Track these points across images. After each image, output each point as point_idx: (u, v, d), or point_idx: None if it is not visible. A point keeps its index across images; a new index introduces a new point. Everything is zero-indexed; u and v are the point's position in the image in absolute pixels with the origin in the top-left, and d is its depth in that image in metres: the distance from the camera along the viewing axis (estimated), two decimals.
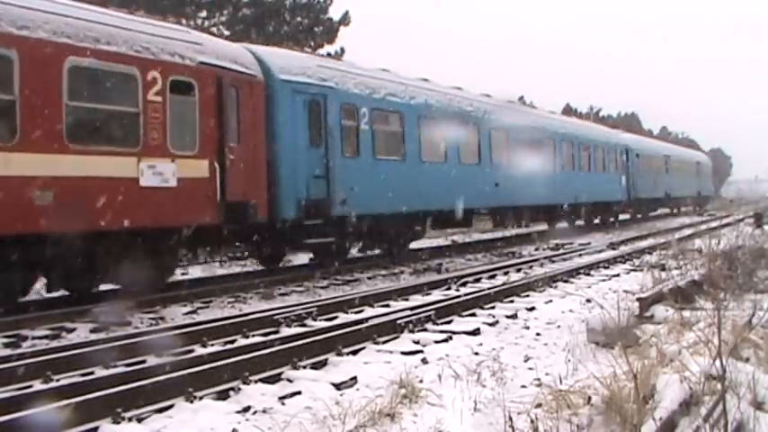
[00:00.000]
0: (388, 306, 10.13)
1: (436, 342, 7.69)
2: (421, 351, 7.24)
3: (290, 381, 6.19)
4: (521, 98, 48.93)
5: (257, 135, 12.71)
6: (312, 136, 14.03)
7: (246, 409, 5.38)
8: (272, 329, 8.50)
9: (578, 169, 26.70)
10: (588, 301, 9.45)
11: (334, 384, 5.99)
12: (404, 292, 11.17)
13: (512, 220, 23.78)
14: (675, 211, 45.12)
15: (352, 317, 9.25)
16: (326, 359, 6.83)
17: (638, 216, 36.29)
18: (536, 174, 21.80)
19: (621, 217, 34.21)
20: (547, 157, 23.66)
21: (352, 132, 15.22)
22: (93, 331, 9.04)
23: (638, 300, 8.02)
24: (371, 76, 16.62)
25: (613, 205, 30.83)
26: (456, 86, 20.37)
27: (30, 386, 5.92)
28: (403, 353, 7.15)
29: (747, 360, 5.42)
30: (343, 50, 31.56)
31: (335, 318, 9.29)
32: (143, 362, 6.80)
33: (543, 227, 26.53)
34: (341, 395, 5.72)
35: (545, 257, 16.61)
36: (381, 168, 15.85)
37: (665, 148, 44.09)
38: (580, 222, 28.69)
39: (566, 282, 12.56)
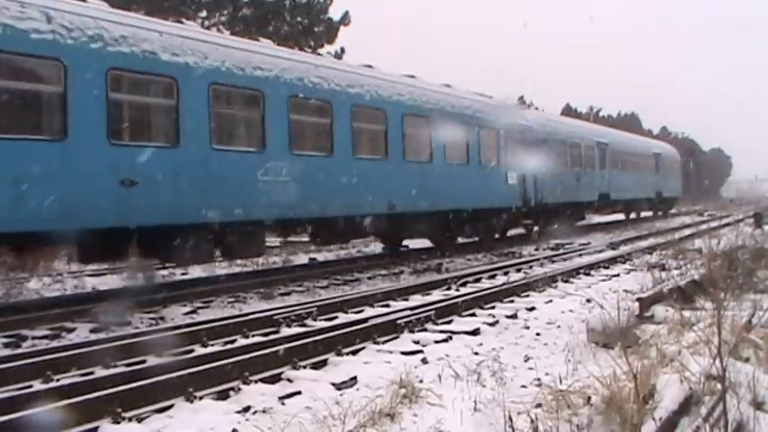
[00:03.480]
0: (388, 306, 10.13)
1: (436, 342, 7.69)
2: (421, 351, 7.24)
3: (290, 381, 6.19)
4: (520, 98, 48.85)
5: None
6: None
7: (246, 409, 5.39)
8: (273, 329, 8.50)
9: (403, 159, 15.94)
10: (588, 301, 9.46)
11: (334, 384, 5.99)
12: (404, 292, 11.18)
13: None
14: (624, 217, 35.14)
15: (352, 317, 9.25)
16: (326, 359, 6.83)
17: (538, 230, 24.47)
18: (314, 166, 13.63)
19: (519, 230, 24.48)
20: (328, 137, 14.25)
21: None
22: (93, 331, 9.04)
23: (638, 300, 8.02)
24: None
25: (498, 214, 20.53)
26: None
27: (30, 386, 5.92)
28: (403, 353, 7.15)
29: (747, 360, 5.42)
30: (343, 50, 31.56)
31: (335, 318, 9.29)
32: (143, 362, 6.80)
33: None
34: (341, 395, 5.72)
35: (545, 257, 16.63)
36: None
37: (599, 134, 31.50)
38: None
39: (566, 282, 12.56)
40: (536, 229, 24.88)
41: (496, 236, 21.82)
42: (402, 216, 16.03)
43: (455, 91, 19.26)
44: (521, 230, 24.51)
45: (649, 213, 39.08)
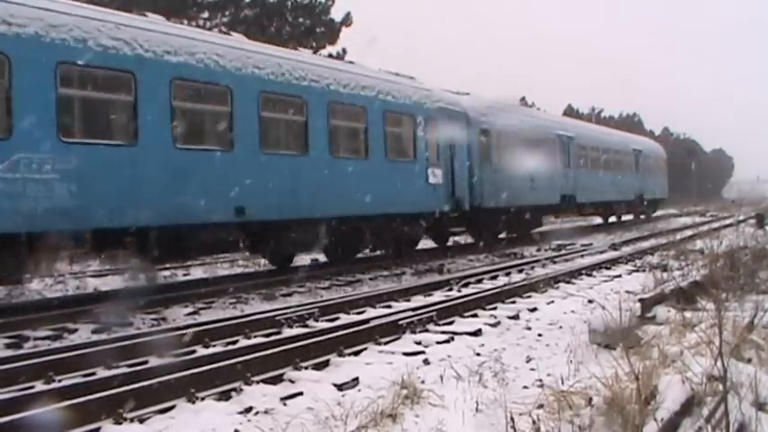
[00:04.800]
0: (389, 307, 10.13)
1: (438, 343, 7.68)
2: (423, 352, 7.24)
3: (291, 381, 6.19)
4: (522, 99, 48.80)
5: None
6: None
7: (248, 410, 5.39)
8: (274, 330, 8.50)
9: (260, 151, 12.62)
10: (590, 301, 9.45)
11: (335, 385, 5.99)
12: (406, 293, 11.18)
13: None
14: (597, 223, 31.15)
15: (353, 317, 9.25)
16: (328, 360, 6.83)
17: (481, 243, 20.36)
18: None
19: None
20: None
21: None
22: (94, 332, 9.05)
23: (639, 300, 8.01)
24: None
25: (413, 222, 16.76)
26: None
27: (32, 387, 5.92)
28: (405, 353, 7.15)
29: (749, 361, 5.42)
30: (345, 51, 31.58)
31: (337, 318, 9.29)
32: (145, 362, 6.80)
33: None
34: (342, 396, 5.72)
35: (547, 258, 16.62)
36: None
37: (562, 125, 27.37)
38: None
39: (567, 282, 12.56)
40: (467, 239, 21.32)
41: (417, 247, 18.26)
42: (262, 224, 12.63)
43: (352, 67, 16.05)
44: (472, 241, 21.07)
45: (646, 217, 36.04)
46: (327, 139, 13.99)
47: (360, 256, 16.55)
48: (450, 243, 20.40)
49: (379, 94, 15.48)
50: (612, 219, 33.20)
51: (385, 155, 15.54)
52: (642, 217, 35.60)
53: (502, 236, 21.98)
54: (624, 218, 34.17)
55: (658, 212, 38.92)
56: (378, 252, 17.03)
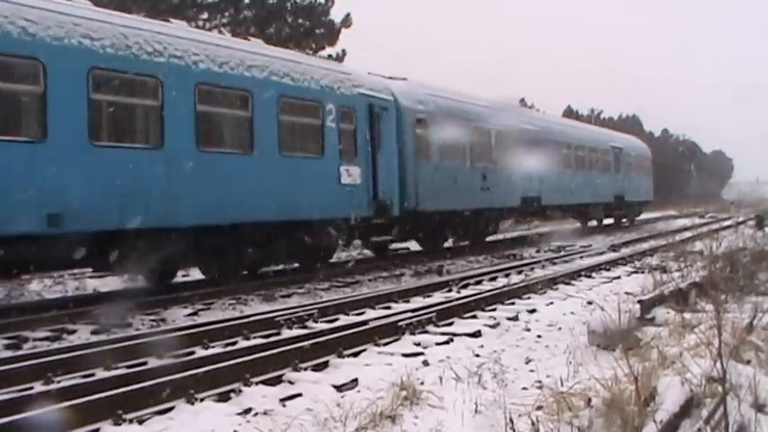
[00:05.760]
0: (389, 308, 10.13)
1: (437, 344, 7.68)
2: (422, 353, 7.23)
3: (290, 382, 6.18)
4: (522, 100, 48.78)
5: None
6: None
7: (247, 411, 5.38)
8: (274, 331, 8.50)
9: (89, 142, 10.08)
10: (589, 303, 9.46)
11: (334, 386, 5.98)
12: (405, 294, 11.17)
13: None
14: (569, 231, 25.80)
15: (353, 319, 9.25)
16: (327, 361, 6.82)
17: (425, 259, 17.29)
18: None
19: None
20: None
21: None
22: (94, 333, 9.05)
23: (639, 302, 8.02)
24: None
25: (321, 230, 14.32)
26: None
27: (31, 388, 5.92)
28: (404, 355, 7.14)
29: (748, 362, 5.42)
30: (344, 52, 31.57)
31: (336, 320, 9.29)
32: (144, 363, 6.80)
33: None
34: (342, 397, 5.72)
35: (546, 259, 16.63)
36: None
37: (525, 118, 24.31)
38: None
39: (567, 284, 12.56)
40: (400, 245, 18.45)
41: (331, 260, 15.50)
42: (96, 234, 10.06)
43: (233, 42, 13.28)
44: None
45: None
46: (194, 130, 11.35)
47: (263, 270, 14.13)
48: (448, 244, 20.30)
49: (271, 75, 12.83)
50: (593, 223, 30.78)
51: (279, 150, 12.91)
52: (624, 221, 33.08)
53: (448, 244, 19.80)
54: (606, 222, 31.88)
55: (643, 216, 36.50)
56: (282, 266, 14.46)
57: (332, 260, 15.83)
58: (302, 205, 13.33)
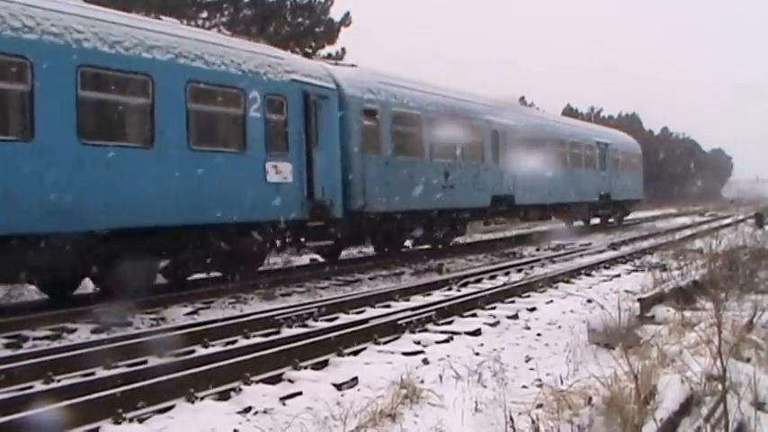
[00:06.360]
0: (389, 306, 10.13)
1: (437, 342, 7.68)
2: (422, 351, 7.24)
3: (291, 381, 6.18)
4: (521, 98, 48.76)
5: None
6: None
7: (247, 410, 5.38)
8: (274, 330, 8.50)
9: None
10: (589, 301, 9.47)
11: (335, 385, 5.99)
12: (405, 293, 11.17)
13: None
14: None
15: (353, 317, 9.25)
16: (327, 360, 6.82)
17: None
18: None
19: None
20: None
21: None
22: (94, 332, 9.05)
23: (638, 300, 8.03)
24: None
25: (249, 234, 12.71)
26: None
27: (31, 387, 5.92)
28: (404, 353, 7.15)
29: (748, 360, 5.42)
30: (344, 51, 31.56)
31: (336, 318, 9.29)
32: (144, 362, 6.80)
33: None
34: (342, 395, 5.72)
35: (546, 258, 16.63)
36: None
37: (494, 110, 21.16)
38: None
39: (567, 282, 12.56)
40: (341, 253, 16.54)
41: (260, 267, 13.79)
42: None
43: (129, 19, 11.29)
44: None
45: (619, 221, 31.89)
46: (75, 119, 9.85)
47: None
48: (450, 244, 20.28)
49: (178, 57, 11.25)
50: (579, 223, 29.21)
51: (187, 143, 11.27)
52: (611, 221, 31.71)
53: (408, 246, 18.44)
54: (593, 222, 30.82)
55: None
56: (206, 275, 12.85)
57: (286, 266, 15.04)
58: (217, 207, 11.58)
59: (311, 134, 13.79)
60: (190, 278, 12.78)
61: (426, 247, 18.81)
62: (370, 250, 19.26)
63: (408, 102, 17.16)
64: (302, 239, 13.99)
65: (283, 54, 14.41)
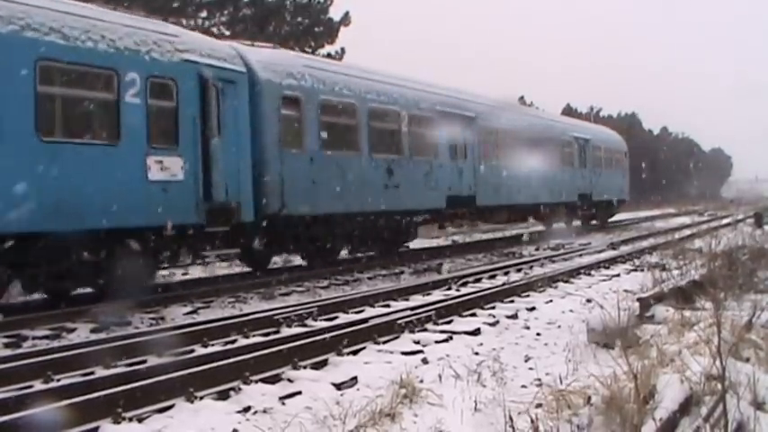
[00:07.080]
0: (388, 306, 10.13)
1: (437, 342, 7.68)
2: (421, 351, 7.24)
3: (290, 381, 6.18)
4: (521, 98, 48.79)
5: None
6: None
7: (247, 409, 5.38)
8: (273, 329, 8.50)
9: None
10: (588, 301, 9.48)
11: (334, 384, 5.99)
12: (404, 292, 11.17)
13: None
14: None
15: (352, 317, 9.25)
16: (327, 359, 6.82)
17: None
18: None
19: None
20: None
21: None
22: (93, 331, 9.05)
23: (638, 300, 8.04)
24: None
25: (124, 243, 10.65)
26: None
27: (30, 386, 5.92)
28: (403, 353, 7.15)
29: (748, 360, 5.42)
30: (343, 50, 31.58)
31: (336, 318, 9.29)
32: (144, 362, 6.80)
33: None
34: (341, 395, 5.72)
35: (545, 257, 16.62)
36: None
37: (455, 101, 19.04)
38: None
39: (566, 282, 12.56)
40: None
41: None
42: None
43: None
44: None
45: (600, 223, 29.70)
46: None
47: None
48: (449, 242, 20.27)
49: (24, 30, 9.21)
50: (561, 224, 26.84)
51: (36, 134, 9.26)
52: (594, 223, 29.88)
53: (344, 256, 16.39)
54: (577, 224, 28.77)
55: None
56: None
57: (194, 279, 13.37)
58: (79, 210, 9.63)
59: (211, 125, 11.70)
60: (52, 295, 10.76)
61: (371, 253, 16.71)
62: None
63: (341, 89, 14.91)
64: (206, 248, 12.36)
65: (178, 31, 12.15)
